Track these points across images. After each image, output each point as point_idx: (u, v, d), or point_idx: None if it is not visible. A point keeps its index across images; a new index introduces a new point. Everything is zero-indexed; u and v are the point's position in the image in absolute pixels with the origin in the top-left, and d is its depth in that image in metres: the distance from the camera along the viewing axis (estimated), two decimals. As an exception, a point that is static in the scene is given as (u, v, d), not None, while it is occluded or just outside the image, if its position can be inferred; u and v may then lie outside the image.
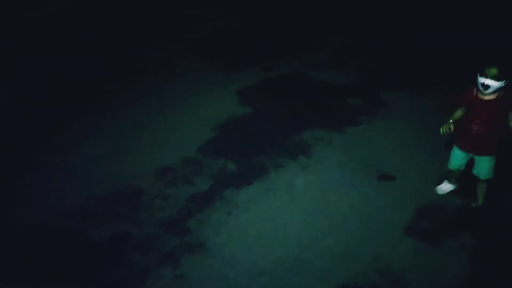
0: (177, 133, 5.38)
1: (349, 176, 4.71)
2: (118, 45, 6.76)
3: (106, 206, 4.38)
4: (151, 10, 7.78)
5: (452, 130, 3.91)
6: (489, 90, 3.74)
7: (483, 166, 4.06)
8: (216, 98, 6.06)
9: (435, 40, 6.99)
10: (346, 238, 4.01)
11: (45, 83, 5.92)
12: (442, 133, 3.89)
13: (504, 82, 3.73)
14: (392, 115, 5.63)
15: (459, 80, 4.56)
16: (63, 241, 4.04)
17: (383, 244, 3.95)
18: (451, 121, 3.95)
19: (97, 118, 5.67)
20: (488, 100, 3.83)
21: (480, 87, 3.77)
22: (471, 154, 4.08)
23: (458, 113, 4.03)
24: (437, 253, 3.89)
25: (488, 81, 3.71)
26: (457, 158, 4.17)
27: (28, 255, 3.93)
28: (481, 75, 3.74)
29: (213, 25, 7.45)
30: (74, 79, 6.00)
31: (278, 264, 3.79)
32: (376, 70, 6.64)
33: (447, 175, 4.43)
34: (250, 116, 5.69)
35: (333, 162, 4.90)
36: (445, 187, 4.46)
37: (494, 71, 3.70)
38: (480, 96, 3.86)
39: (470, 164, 4.17)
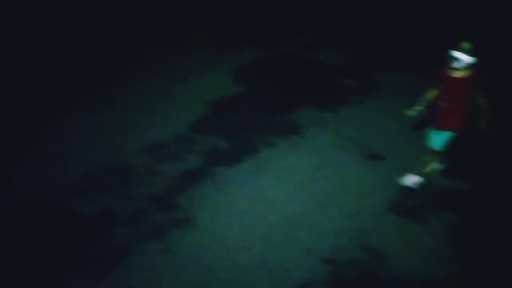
0: (170, 111, 5.36)
1: (340, 155, 4.70)
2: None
3: (96, 181, 4.37)
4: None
5: (420, 111, 4.01)
6: (458, 64, 3.75)
7: (442, 138, 4.05)
8: (210, 77, 6.02)
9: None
10: (332, 214, 4.01)
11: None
12: (408, 115, 4.03)
13: (475, 60, 3.74)
14: (385, 96, 5.59)
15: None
16: (52, 214, 4.04)
17: (367, 220, 3.97)
18: (420, 104, 4.05)
19: (92, 100, 5.63)
20: (458, 78, 3.84)
21: (451, 60, 3.78)
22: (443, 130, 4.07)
23: (429, 94, 4.10)
24: (418, 229, 3.92)
25: (458, 54, 3.73)
26: (433, 136, 4.13)
27: (16, 227, 3.93)
28: (454, 49, 3.78)
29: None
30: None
31: (264, 239, 3.77)
32: (370, 52, 6.56)
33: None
34: (243, 95, 5.66)
35: (324, 141, 4.89)
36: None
37: (466, 45, 3.73)
38: (451, 73, 3.87)
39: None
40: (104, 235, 3.84)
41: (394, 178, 4.37)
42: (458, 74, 3.84)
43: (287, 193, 4.24)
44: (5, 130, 5.15)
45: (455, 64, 3.77)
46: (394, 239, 3.82)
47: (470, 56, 3.72)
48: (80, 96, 5.69)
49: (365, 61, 6.40)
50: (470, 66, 3.79)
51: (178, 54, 6.61)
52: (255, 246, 3.73)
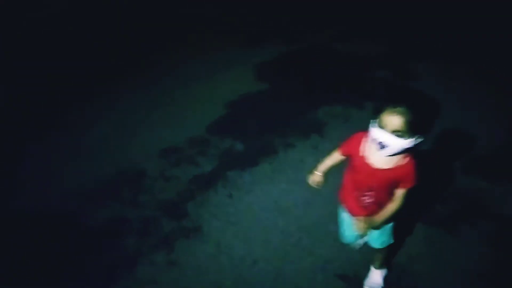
0: (186, 113, 5.21)
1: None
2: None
3: (107, 188, 4.26)
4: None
5: (321, 184, 2.86)
6: (386, 152, 2.25)
7: (379, 234, 2.81)
8: (231, 75, 5.84)
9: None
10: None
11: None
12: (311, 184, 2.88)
13: (416, 139, 2.23)
14: (419, 88, 5.09)
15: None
16: (57, 223, 3.95)
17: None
18: (318, 173, 2.85)
19: (104, 103, 5.51)
20: (380, 170, 2.35)
21: (374, 144, 2.29)
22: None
23: (331, 161, 2.83)
24: (451, 241, 3.51)
25: (385, 138, 2.19)
26: (349, 225, 2.86)
27: (16, 236, 3.85)
28: (376, 123, 2.25)
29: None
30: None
31: (275, 251, 3.59)
32: (401, 42, 6.11)
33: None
34: (265, 92, 5.46)
35: (348, 140, 4.50)
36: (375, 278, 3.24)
37: (398, 120, 2.17)
38: (368, 157, 2.39)
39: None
40: (109, 245, 3.74)
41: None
42: (378, 164, 2.36)
43: (304, 199, 3.98)
44: (5, 131, 5.09)
45: (380, 151, 2.27)
46: (421, 252, 3.46)
47: (405, 137, 2.20)
48: (89, 96, 5.61)
49: (400, 51, 5.90)
50: (403, 152, 2.28)
51: (196, 51, 6.45)
52: (266, 259, 3.55)
